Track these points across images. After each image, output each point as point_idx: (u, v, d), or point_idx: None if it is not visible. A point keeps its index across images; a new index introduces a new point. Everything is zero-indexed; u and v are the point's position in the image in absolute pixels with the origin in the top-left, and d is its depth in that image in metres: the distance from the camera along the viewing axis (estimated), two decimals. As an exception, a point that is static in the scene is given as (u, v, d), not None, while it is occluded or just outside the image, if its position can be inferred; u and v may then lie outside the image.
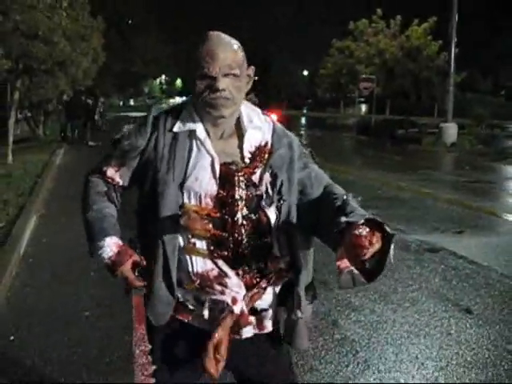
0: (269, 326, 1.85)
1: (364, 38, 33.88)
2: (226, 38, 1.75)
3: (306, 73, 70.15)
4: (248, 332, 1.80)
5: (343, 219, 1.56)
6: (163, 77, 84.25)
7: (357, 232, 1.43)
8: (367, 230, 1.43)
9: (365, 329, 4.10)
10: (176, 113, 1.83)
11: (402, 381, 3.37)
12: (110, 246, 1.79)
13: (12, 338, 3.89)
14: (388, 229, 1.47)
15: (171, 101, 76.52)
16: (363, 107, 41.77)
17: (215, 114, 1.72)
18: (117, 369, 3.46)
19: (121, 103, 70.25)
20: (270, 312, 1.85)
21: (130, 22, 47.75)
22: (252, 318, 1.79)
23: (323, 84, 40.37)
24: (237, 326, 1.75)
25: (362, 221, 1.46)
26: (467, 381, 3.38)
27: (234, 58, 1.71)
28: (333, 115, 47.80)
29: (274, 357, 1.92)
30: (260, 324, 1.84)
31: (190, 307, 1.81)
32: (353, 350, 3.75)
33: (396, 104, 36.24)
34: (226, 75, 1.69)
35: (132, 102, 74.10)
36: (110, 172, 1.86)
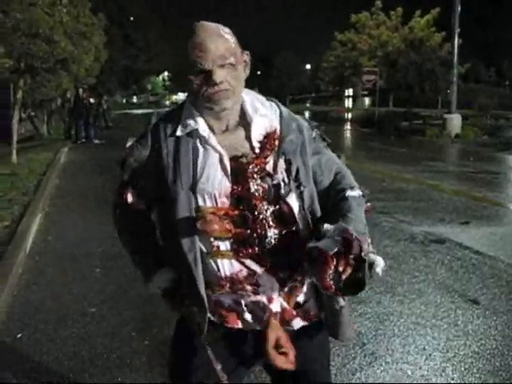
0: (315, 314, 1.80)
1: (366, 30, 33.73)
2: (212, 26, 1.64)
3: (308, 66, 70.00)
4: (298, 323, 1.75)
5: (311, 245, 1.55)
6: (166, 73, 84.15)
7: (323, 260, 1.48)
8: (333, 261, 1.47)
9: (371, 321, 4.09)
10: (176, 116, 1.74)
11: (410, 372, 3.36)
12: (161, 281, 1.82)
13: (19, 335, 3.90)
14: (363, 252, 1.48)
15: (174, 97, 76.58)
16: (367, 100, 41.64)
17: (217, 108, 1.64)
18: (123, 365, 3.47)
19: (124, 101, 70.28)
20: (313, 302, 1.79)
21: (131, 18, 47.68)
22: (296, 312, 1.75)
23: (326, 77, 40.27)
24: (285, 322, 1.71)
25: (333, 251, 1.48)
26: (475, 371, 3.37)
27: (226, 46, 1.61)
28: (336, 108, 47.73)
29: (320, 347, 1.87)
30: (307, 315, 1.78)
31: (231, 308, 1.75)
32: (360, 342, 3.74)
33: (399, 96, 36.09)
34: (221, 66, 1.59)
35: (135, 100, 74.19)
36: (130, 198, 1.81)
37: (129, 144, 1.81)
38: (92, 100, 22.77)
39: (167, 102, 72.19)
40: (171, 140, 1.70)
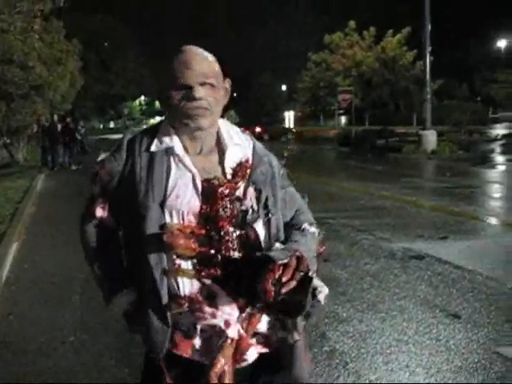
0: (274, 343, 1.76)
1: (340, 50, 34.22)
2: (199, 50, 1.73)
3: (284, 88, 70.60)
4: (252, 355, 1.72)
5: (259, 253, 1.63)
6: (142, 97, 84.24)
7: (269, 267, 1.53)
8: (279, 271, 1.52)
9: (354, 340, 4.08)
10: (152, 132, 1.77)
11: (394, 390, 3.34)
12: (122, 303, 1.79)
13: (-5, 367, 3.80)
14: (310, 272, 1.55)
15: (151, 121, 76.49)
16: (343, 119, 42.07)
17: (193, 124, 1.68)
18: (104, 394, 3.40)
19: (101, 126, 70.03)
20: (271, 332, 1.76)
21: (106, 43, 47.76)
22: (253, 340, 1.72)
23: (302, 98, 40.63)
24: (239, 353, 1.68)
25: (282, 261, 1.53)
26: (458, 386, 3.37)
27: (210, 69, 1.69)
28: (312, 128, 48.06)
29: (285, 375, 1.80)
30: (269, 340, 1.75)
31: (188, 333, 1.71)
32: (342, 361, 3.71)
33: (375, 114, 36.55)
34: (202, 84, 1.66)
35: (112, 125, 73.99)
36: (99, 212, 1.80)
37: (100, 158, 1.81)
38: (69, 125, 22.62)
39: (144, 127, 72.11)
40: (145, 155, 1.72)
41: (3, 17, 8.38)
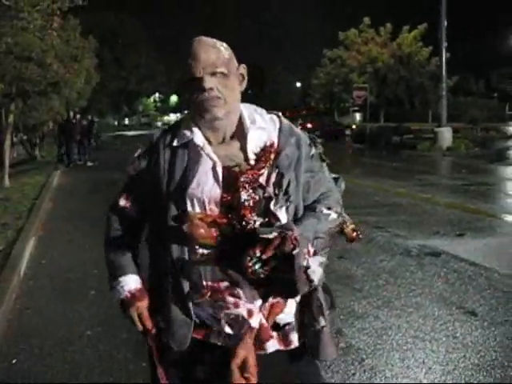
0: (295, 340, 1.75)
1: (355, 47, 34.06)
2: (208, 39, 1.71)
3: (298, 84, 70.42)
4: (272, 346, 1.70)
5: (247, 229, 1.64)
6: (157, 94, 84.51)
7: (252, 244, 1.53)
8: (261, 247, 1.52)
9: (370, 336, 4.07)
10: (175, 128, 1.80)
11: (410, 386, 3.33)
12: (131, 282, 1.80)
13: (14, 360, 3.85)
14: (294, 251, 1.53)
15: (166, 118, 76.79)
16: (357, 116, 41.90)
17: (208, 116, 1.66)
18: (121, 387, 3.43)
19: (116, 123, 70.36)
20: (294, 325, 1.75)
21: (120, 41, 47.93)
22: (274, 334, 1.71)
23: (316, 94, 40.50)
24: (259, 341, 1.67)
25: (264, 236, 1.53)
26: (475, 383, 3.35)
27: (218, 56, 1.66)
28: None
29: (303, 374, 1.79)
30: (285, 340, 1.73)
31: (207, 323, 1.72)
32: (358, 357, 3.71)
33: (390, 111, 36.36)
34: (212, 74, 1.64)
35: (127, 121, 74.29)
36: (122, 202, 1.86)
37: (136, 154, 1.86)
38: (84, 122, 22.77)
39: (159, 123, 72.36)
40: (168, 150, 1.74)
41: (23, 15, 8.45)
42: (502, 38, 46.82)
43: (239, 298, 1.64)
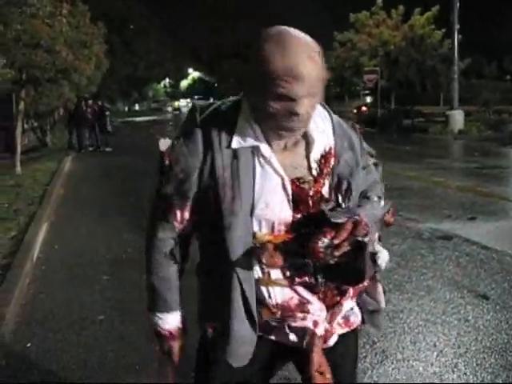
0: (357, 320, 1.72)
1: (366, 29, 33.73)
2: (303, 42, 1.39)
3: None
4: (333, 339, 1.66)
5: (316, 211, 1.51)
6: (167, 80, 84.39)
7: (323, 227, 1.43)
8: (333, 232, 1.42)
9: (381, 319, 4.06)
10: (230, 121, 1.50)
11: (421, 369, 3.33)
12: (172, 321, 1.67)
13: (29, 344, 3.89)
14: (367, 237, 1.46)
15: (177, 103, 76.68)
16: (368, 99, 41.62)
17: (287, 135, 1.47)
18: (133, 372, 3.46)
19: (126, 108, 70.42)
20: (356, 309, 1.71)
21: (131, 26, 47.85)
22: (337, 326, 1.66)
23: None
24: (323, 341, 1.64)
25: (336, 220, 1.42)
26: (487, 366, 3.35)
27: (317, 73, 1.39)
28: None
29: (352, 356, 1.81)
30: (347, 322, 1.69)
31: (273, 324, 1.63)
32: (370, 340, 3.71)
33: (401, 94, 36.07)
34: (306, 96, 1.38)
35: (137, 107, 74.30)
36: (179, 215, 1.58)
37: (165, 146, 1.59)
38: (96, 108, 22.77)
39: (169, 109, 72.32)
40: (227, 152, 1.48)
41: (32, 2, 8.43)
42: (515, 20, 46.16)
43: (308, 313, 1.57)
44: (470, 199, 8.52)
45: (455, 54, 23.22)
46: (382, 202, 1.70)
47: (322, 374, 1.59)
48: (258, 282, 1.54)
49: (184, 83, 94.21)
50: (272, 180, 1.49)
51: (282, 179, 1.49)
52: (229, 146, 1.48)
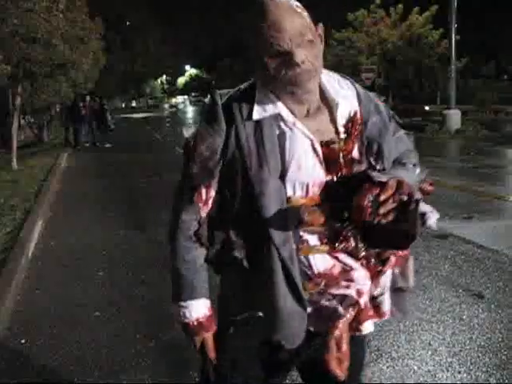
0: (387, 311, 1.67)
1: (364, 28, 33.72)
2: (286, 2, 1.45)
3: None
4: (368, 327, 1.63)
5: (355, 173, 1.49)
6: (164, 77, 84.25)
7: (367, 185, 1.38)
8: (377, 190, 1.37)
9: (376, 317, 4.07)
10: (248, 96, 1.53)
11: (416, 368, 3.34)
12: (200, 308, 1.61)
13: (23, 340, 3.89)
14: (413, 197, 1.39)
15: (173, 100, 76.60)
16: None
17: (301, 91, 1.46)
18: (128, 367, 3.46)
19: (123, 105, 70.27)
20: (387, 295, 1.66)
21: (128, 23, 47.69)
22: (371, 311, 1.62)
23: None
24: (357, 322, 1.58)
25: (381, 179, 1.38)
26: (481, 365, 3.35)
27: (302, 22, 1.43)
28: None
29: (362, 354, 1.77)
30: (378, 311, 1.65)
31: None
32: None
33: (398, 93, 36.10)
34: (300, 45, 1.41)
35: (134, 104, 74.16)
36: (204, 194, 1.56)
37: (188, 133, 1.60)
38: (95, 104, 22.74)
39: (166, 106, 72.24)
40: (249, 124, 1.50)
41: (28, -5, 8.45)
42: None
43: (353, 281, 1.54)
44: (465, 198, 8.53)
45: (452, 53, 23.21)
46: (418, 170, 1.66)
47: (338, 358, 1.53)
48: (297, 251, 1.50)
49: (181, 80, 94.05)
50: (301, 143, 1.50)
51: (311, 141, 1.50)
52: (250, 117, 1.50)
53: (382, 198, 1.37)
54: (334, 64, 35.97)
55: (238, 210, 1.54)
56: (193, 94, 78.98)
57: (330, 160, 1.51)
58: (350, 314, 1.55)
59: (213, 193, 1.57)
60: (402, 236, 1.40)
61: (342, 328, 1.53)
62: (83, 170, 13.90)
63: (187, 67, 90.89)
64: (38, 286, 5.02)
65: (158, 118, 43.25)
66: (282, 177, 1.48)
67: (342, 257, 1.52)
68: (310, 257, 1.52)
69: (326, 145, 1.51)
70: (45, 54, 11.40)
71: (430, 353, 3.52)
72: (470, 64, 33.22)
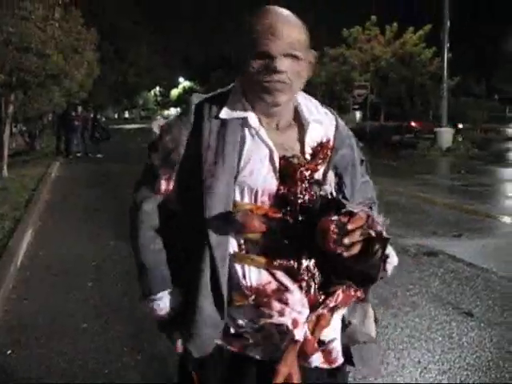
0: (339, 358, 1.59)
1: (358, 45, 33.98)
2: (288, 13, 1.49)
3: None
4: (316, 360, 1.53)
5: (327, 197, 1.47)
6: (157, 88, 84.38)
7: (332, 217, 1.32)
8: (346, 218, 1.31)
9: (366, 334, 4.06)
10: (222, 98, 1.56)
11: (405, 385, 3.33)
12: (173, 298, 1.58)
13: (9, 352, 3.84)
14: (384, 233, 1.34)
15: (166, 112, 76.69)
16: (357, 114, 41.86)
17: (269, 100, 1.47)
18: (114, 380, 3.42)
19: (115, 116, 70.26)
20: (339, 342, 1.59)
21: (120, 34, 47.71)
22: (319, 350, 1.54)
23: (317, 92, 40.39)
24: (303, 353, 1.49)
25: (353, 209, 1.33)
26: (471, 383, 3.35)
27: (299, 38, 1.46)
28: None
29: None
30: (329, 357, 1.56)
31: (245, 335, 1.51)
32: (354, 355, 3.70)
33: (390, 110, 36.32)
34: (286, 55, 1.43)
35: (127, 115, 74.19)
36: (164, 185, 1.57)
37: (157, 125, 1.63)
38: (86, 114, 22.74)
39: (158, 117, 72.29)
40: (215, 121, 1.52)
41: (23, 4, 8.38)
42: (504, 40, 46.81)
43: (286, 304, 1.44)
44: (455, 216, 8.57)
45: (445, 72, 23.46)
46: (382, 218, 1.64)
47: None
48: (233, 257, 1.48)
49: (174, 92, 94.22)
50: (260, 151, 1.51)
51: (271, 151, 1.51)
52: (217, 116, 1.52)
53: (350, 227, 1.31)
54: (327, 80, 36.24)
55: (185, 207, 1.55)
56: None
57: (286, 173, 1.49)
58: (291, 353, 1.45)
59: (172, 184, 1.57)
60: (362, 276, 1.36)
61: (284, 369, 1.45)
62: (74, 179, 13.84)
63: (181, 79, 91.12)
64: (26, 295, 4.97)
65: (149, 129, 43.14)
66: (233, 179, 1.48)
67: (280, 275, 1.46)
68: (246, 268, 1.47)
69: (284, 158, 1.51)
70: (38, 64, 11.37)
71: (419, 370, 3.51)
72: (461, 83, 33.53)
